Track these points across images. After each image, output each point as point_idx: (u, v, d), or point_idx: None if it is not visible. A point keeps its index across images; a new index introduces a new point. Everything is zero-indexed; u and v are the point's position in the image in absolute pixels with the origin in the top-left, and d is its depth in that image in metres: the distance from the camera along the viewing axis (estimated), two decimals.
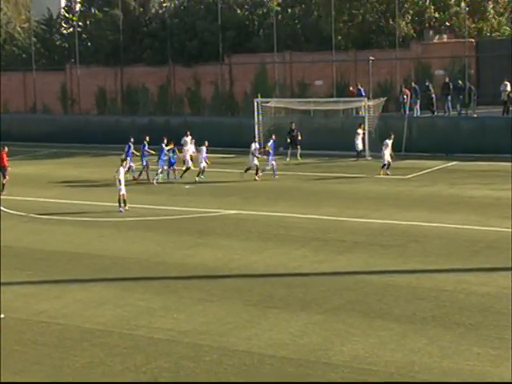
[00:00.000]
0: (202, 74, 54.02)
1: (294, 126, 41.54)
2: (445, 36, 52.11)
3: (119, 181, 30.30)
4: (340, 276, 21.31)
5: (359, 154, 40.49)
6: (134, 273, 22.31)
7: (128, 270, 22.54)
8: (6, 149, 37.08)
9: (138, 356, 16.30)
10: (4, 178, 35.96)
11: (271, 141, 37.40)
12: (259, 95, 45.00)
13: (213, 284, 21.00)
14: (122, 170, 30.86)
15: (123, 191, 30.29)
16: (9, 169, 36.28)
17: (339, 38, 50.22)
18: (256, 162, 36.43)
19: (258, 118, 43.86)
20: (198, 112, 53.73)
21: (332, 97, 47.52)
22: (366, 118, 41.77)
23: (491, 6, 50.78)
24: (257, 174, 36.47)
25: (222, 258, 23.41)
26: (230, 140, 44.97)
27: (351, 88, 47.46)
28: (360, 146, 40.43)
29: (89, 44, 59.18)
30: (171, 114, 53.07)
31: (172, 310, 18.92)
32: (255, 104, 44.03)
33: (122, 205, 30.23)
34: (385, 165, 36.33)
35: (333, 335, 16.99)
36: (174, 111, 54.27)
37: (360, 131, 40.43)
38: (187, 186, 36.01)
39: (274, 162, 36.77)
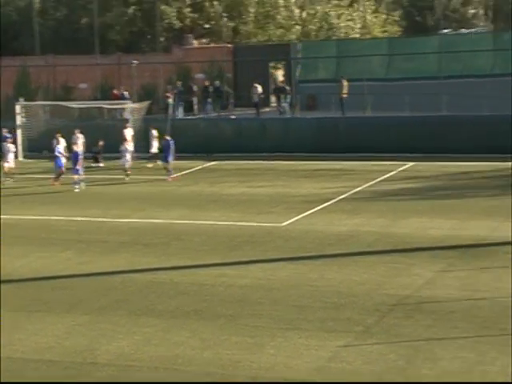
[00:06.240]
0: None
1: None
2: (205, 41, 53.27)
3: None
4: (105, 276, 21.17)
5: (155, 156, 39.65)
6: None
7: None
8: None
9: None
10: None
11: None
12: (21, 99, 43.81)
13: None
14: None
15: None
16: None
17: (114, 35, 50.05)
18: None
19: (22, 121, 42.66)
20: None
21: (97, 99, 47.07)
22: (131, 120, 41.68)
23: (251, 9, 52.40)
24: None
25: None
26: None
27: (115, 91, 47.24)
28: (155, 149, 39.60)
29: None
30: None
31: None
32: (17, 107, 42.86)
33: None
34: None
35: (99, 335, 16.86)
36: None
37: (155, 133, 39.65)
38: None
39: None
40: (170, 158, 35.62)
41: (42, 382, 14.93)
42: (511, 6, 57.83)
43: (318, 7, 56.28)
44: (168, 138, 36.35)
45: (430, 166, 35.84)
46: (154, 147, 39.27)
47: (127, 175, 35.85)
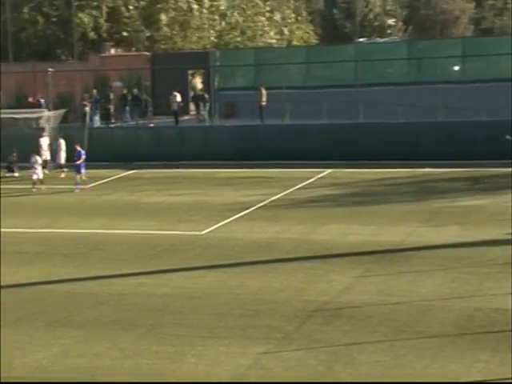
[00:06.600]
0: None
1: None
2: (122, 49, 52.98)
3: None
4: (22, 288, 20.80)
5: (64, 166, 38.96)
6: None
7: None
8: None
9: None
10: None
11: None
12: None
13: None
14: None
15: None
16: None
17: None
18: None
19: None
20: None
21: (11, 108, 46.20)
22: (47, 128, 41.14)
23: (164, 16, 52.45)
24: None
25: None
26: None
27: (30, 99, 46.55)
28: (63, 159, 38.97)
29: None
30: None
31: None
32: None
33: None
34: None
35: (14, 348, 16.53)
36: None
37: (62, 143, 39.00)
38: None
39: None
40: (82, 169, 35.22)
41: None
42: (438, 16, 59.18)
43: (239, 18, 56.55)
44: (79, 147, 35.92)
45: (347, 173, 36.36)
46: (62, 157, 38.83)
47: (34, 186, 35.26)
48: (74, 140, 38.21)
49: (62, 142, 39.03)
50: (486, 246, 22.96)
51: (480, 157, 35.16)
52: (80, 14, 50.81)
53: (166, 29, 52.90)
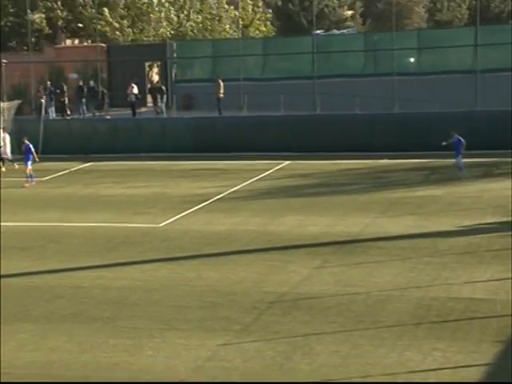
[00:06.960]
0: None
1: None
2: (78, 40, 52.54)
3: None
4: None
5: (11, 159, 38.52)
6: None
7: None
8: None
9: None
10: None
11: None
12: None
13: None
14: None
15: None
16: None
17: None
18: None
19: None
20: None
21: None
22: (1, 120, 40.63)
23: (107, 10, 52.16)
24: None
25: None
26: None
27: None
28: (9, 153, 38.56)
29: None
30: None
31: None
32: None
33: None
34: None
35: None
36: None
37: (7, 137, 38.57)
38: None
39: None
40: (29, 163, 34.73)
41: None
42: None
43: (197, 9, 56.29)
44: (26, 141, 35.40)
45: (305, 165, 36.47)
46: (8, 152, 38.36)
47: None
48: (29, 132, 37.78)
49: (7, 137, 38.55)
50: (441, 237, 23.20)
51: (435, 148, 35.42)
52: (34, 16, 50.12)
53: (110, 20, 52.43)
